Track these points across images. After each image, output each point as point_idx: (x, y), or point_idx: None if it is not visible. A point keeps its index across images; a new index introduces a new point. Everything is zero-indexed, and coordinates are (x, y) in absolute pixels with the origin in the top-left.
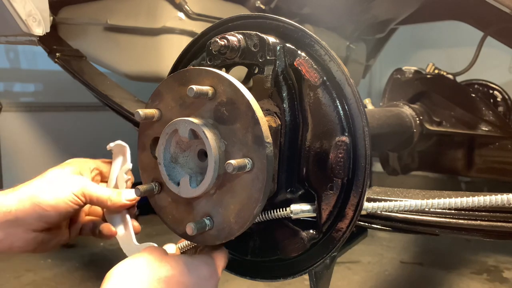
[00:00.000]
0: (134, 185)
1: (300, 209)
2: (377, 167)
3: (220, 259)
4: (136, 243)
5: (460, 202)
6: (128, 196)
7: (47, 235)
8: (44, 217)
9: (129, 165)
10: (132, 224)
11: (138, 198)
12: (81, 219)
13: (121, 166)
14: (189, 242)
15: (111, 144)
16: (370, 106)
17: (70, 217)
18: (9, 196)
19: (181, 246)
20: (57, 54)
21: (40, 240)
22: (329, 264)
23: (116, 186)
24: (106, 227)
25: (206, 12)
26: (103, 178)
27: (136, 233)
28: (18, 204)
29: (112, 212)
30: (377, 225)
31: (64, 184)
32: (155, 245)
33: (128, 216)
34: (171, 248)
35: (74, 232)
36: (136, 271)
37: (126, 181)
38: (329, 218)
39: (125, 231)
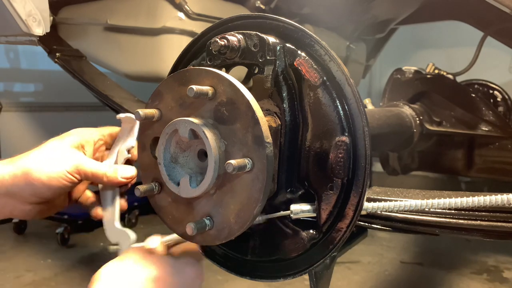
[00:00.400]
0: (135, 185)
1: (300, 209)
2: (377, 167)
3: (199, 258)
4: (118, 226)
5: (460, 202)
6: (125, 173)
7: (45, 206)
8: (37, 193)
9: (133, 143)
10: (120, 203)
11: (135, 175)
12: (80, 191)
13: (125, 141)
14: (172, 237)
15: (121, 115)
16: (370, 106)
17: (67, 192)
18: (4, 168)
19: (165, 240)
20: (57, 54)
21: (38, 210)
22: (329, 264)
23: (116, 162)
24: (95, 213)
25: (206, 12)
26: (109, 147)
27: (122, 211)
28: (12, 179)
29: (106, 188)
30: (377, 225)
31: (58, 161)
32: (133, 233)
33: (118, 196)
34: (155, 240)
35: (72, 201)
36: (123, 271)
37: (125, 159)
38: (329, 218)
39: (110, 210)
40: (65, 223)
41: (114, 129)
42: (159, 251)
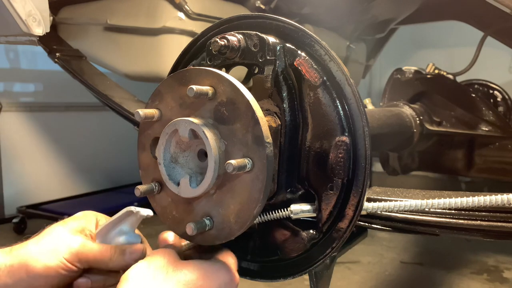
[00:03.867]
0: (134, 185)
1: (300, 209)
2: (377, 167)
3: (233, 262)
4: None
5: (460, 202)
6: (133, 255)
7: None
8: (34, 286)
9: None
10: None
11: (145, 253)
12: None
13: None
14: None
15: (132, 209)
16: (370, 106)
17: (70, 283)
18: (1, 258)
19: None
20: (57, 54)
21: None
22: (329, 264)
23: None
24: None
25: (206, 12)
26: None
27: None
28: (8, 270)
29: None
30: (377, 225)
31: (55, 249)
32: None
33: None
34: (170, 236)
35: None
36: (153, 273)
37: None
38: (329, 218)
39: None
40: None
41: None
42: (175, 243)
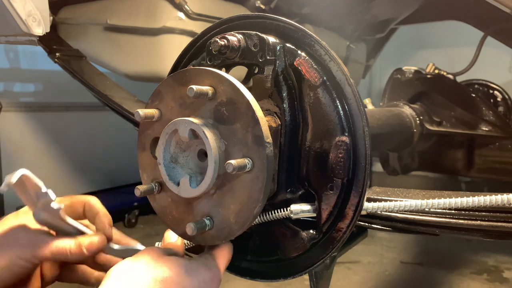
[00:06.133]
0: (134, 185)
1: (300, 209)
2: (377, 167)
3: (223, 257)
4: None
5: (460, 202)
6: (90, 247)
7: None
8: None
9: (50, 196)
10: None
11: (102, 244)
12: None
13: (38, 201)
14: None
15: (12, 179)
16: (370, 106)
17: (27, 277)
18: None
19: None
20: (57, 54)
21: None
22: (329, 264)
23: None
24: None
25: (206, 12)
26: (78, 217)
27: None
28: None
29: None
30: (377, 225)
31: (8, 248)
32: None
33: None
34: (173, 236)
35: (51, 277)
36: (133, 271)
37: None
38: (329, 218)
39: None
40: None
41: (78, 198)
42: (178, 245)
